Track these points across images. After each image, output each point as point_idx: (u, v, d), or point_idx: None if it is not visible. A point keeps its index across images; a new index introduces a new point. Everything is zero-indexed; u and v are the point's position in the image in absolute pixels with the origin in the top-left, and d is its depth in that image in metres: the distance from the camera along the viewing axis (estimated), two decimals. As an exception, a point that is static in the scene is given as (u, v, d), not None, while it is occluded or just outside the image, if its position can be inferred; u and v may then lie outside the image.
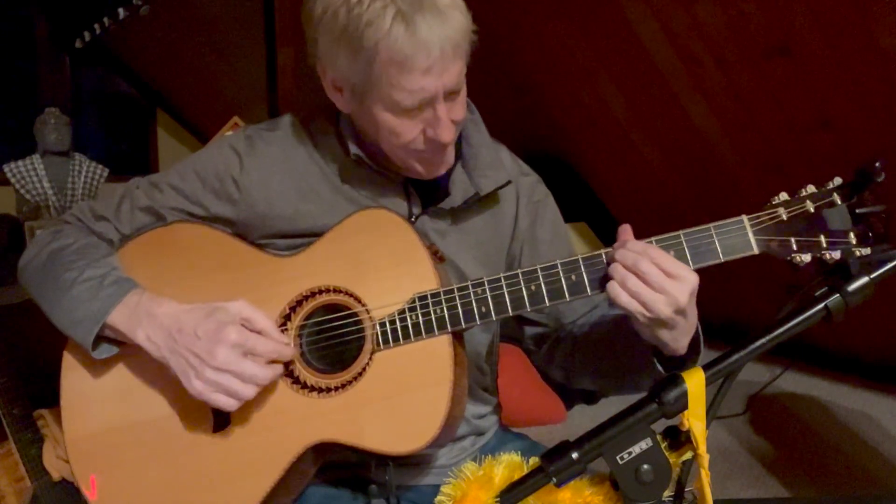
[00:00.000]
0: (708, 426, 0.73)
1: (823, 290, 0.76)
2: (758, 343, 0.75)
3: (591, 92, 3.03)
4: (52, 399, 1.11)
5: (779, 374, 3.16)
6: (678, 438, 0.76)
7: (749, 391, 3.02)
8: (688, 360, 0.95)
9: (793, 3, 2.12)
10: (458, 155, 1.10)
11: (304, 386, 0.99)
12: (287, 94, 3.34)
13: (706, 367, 0.75)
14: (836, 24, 2.09)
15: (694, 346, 0.94)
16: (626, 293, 0.86)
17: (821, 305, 0.75)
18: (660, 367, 0.95)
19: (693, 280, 0.86)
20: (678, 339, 0.91)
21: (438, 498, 0.86)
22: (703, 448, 0.72)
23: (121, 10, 4.04)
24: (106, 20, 4.20)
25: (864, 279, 0.75)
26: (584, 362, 1.10)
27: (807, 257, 0.87)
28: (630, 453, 0.73)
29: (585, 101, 3.11)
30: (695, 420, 0.72)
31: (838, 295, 0.75)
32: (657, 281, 0.85)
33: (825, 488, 2.30)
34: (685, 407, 0.73)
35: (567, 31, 2.82)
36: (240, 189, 1.07)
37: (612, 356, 1.04)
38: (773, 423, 2.81)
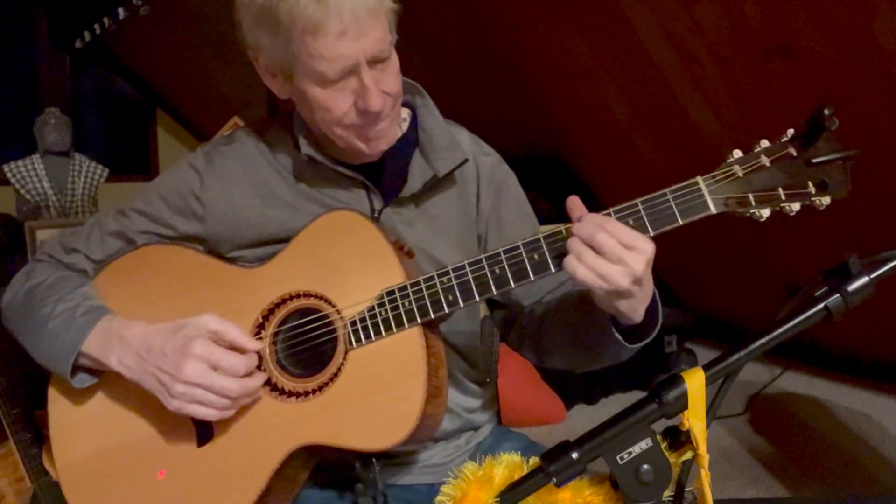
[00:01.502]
0: (708, 426, 0.73)
1: (823, 290, 0.76)
2: (758, 343, 0.75)
3: (591, 92, 3.03)
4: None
5: (779, 374, 3.16)
6: (678, 438, 0.76)
7: (749, 391, 3.02)
8: (646, 327, 0.96)
9: (793, 3, 2.12)
10: (415, 143, 1.11)
11: (283, 392, 0.99)
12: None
13: (706, 367, 0.75)
14: (836, 24, 2.09)
15: (652, 313, 0.95)
16: (584, 266, 0.86)
17: (821, 305, 0.75)
18: (618, 336, 0.95)
19: (649, 249, 0.86)
20: (635, 309, 0.91)
21: (438, 498, 0.86)
22: (703, 448, 0.72)
23: (121, 10, 4.04)
24: (106, 20, 4.20)
25: (864, 279, 0.75)
26: (551, 340, 1.10)
27: (766, 212, 0.87)
28: (630, 453, 0.73)
29: (585, 101, 3.11)
30: (695, 420, 0.72)
31: (838, 295, 0.75)
32: (615, 252, 0.85)
33: (825, 488, 2.30)
34: (685, 407, 0.73)
35: (567, 32, 2.82)
36: (203, 205, 1.08)
37: (574, 330, 1.04)
38: (773, 423, 2.81)
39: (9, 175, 3.36)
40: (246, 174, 1.09)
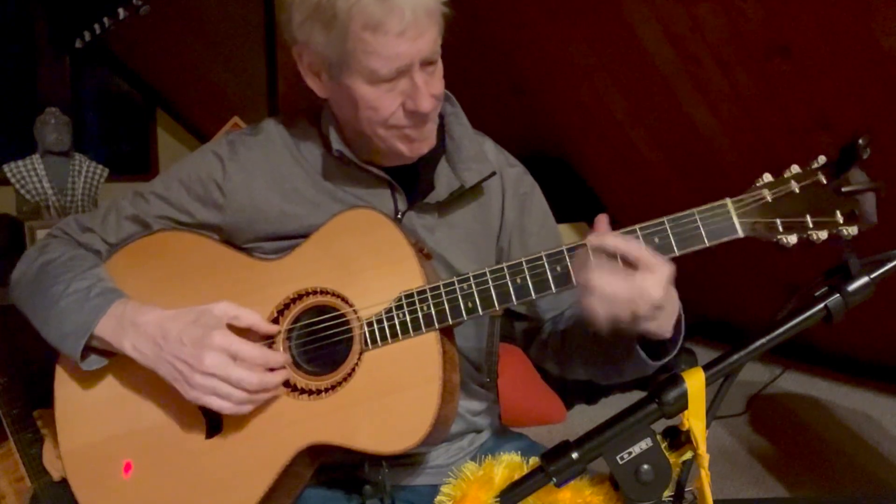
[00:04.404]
0: (708, 426, 0.73)
1: (823, 290, 0.76)
2: (758, 343, 0.75)
3: (591, 92, 3.03)
4: (51, 399, 1.12)
5: (779, 374, 3.16)
6: (678, 438, 0.76)
7: (749, 391, 3.03)
8: (670, 342, 0.94)
9: (793, 3, 2.12)
10: (442, 149, 1.11)
11: (295, 389, 0.99)
12: (287, 94, 3.34)
13: (706, 367, 0.75)
14: (836, 24, 2.09)
15: (677, 327, 0.93)
16: (605, 301, 0.84)
17: (821, 305, 0.75)
18: (643, 355, 0.94)
19: (665, 271, 0.85)
20: (662, 327, 0.90)
21: (438, 498, 0.86)
22: (703, 448, 0.72)
23: (121, 10, 4.04)
24: (106, 20, 4.20)
25: (864, 279, 0.75)
26: (573, 353, 1.10)
27: (793, 238, 0.86)
28: (630, 453, 0.73)
29: (585, 101, 3.11)
30: (695, 420, 0.72)
31: (838, 295, 0.75)
32: (633, 280, 0.83)
33: (825, 488, 2.30)
34: (685, 407, 0.73)
35: (567, 32, 2.82)
36: (224, 194, 1.08)
37: (597, 345, 1.03)
38: (773, 423, 2.81)
39: (9, 175, 3.35)
40: (269, 167, 1.08)
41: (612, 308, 0.84)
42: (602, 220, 0.90)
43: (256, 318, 0.98)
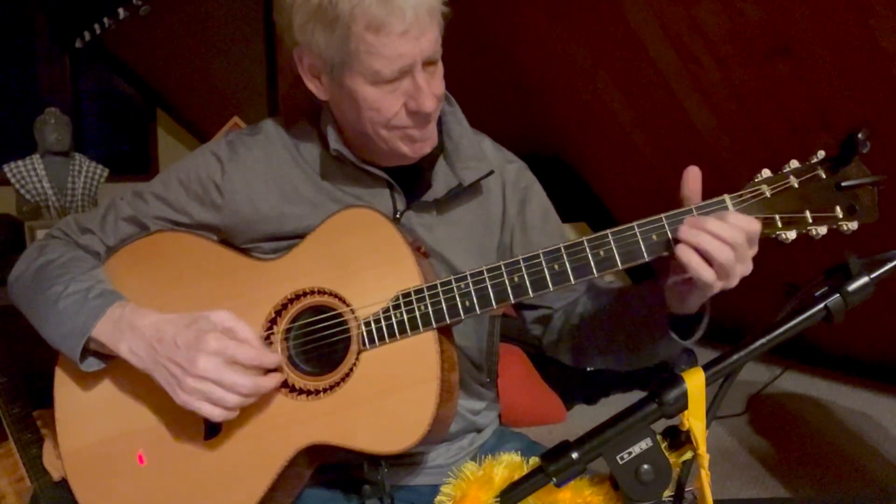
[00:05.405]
0: (708, 426, 0.73)
1: (823, 290, 0.76)
2: (758, 343, 0.75)
3: (591, 92, 3.03)
4: (52, 399, 1.12)
5: (779, 374, 3.16)
6: (678, 438, 0.75)
7: (749, 391, 3.03)
8: (695, 321, 0.94)
9: (793, 3, 2.12)
10: (441, 149, 1.11)
11: (293, 389, 0.99)
12: (287, 94, 3.34)
13: (706, 367, 0.75)
14: (836, 24, 2.09)
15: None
16: (703, 258, 0.83)
17: (821, 305, 0.75)
18: (675, 336, 0.94)
19: (749, 226, 0.84)
20: (705, 296, 0.90)
21: (438, 498, 0.86)
22: (703, 448, 0.72)
23: (121, 10, 4.05)
24: (106, 20, 4.20)
25: (864, 279, 0.75)
26: (593, 338, 1.09)
27: (792, 234, 0.86)
28: (630, 453, 0.73)
29: (585, 101, 3.11)
30: (695, 420, 0.72)
31: (838, 295, 0.74)
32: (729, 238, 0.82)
33: (825, 488, 2.30)
34: (685, 407, 0.72)
35: (567, 31, 2.82)
36: (223, 194, 1.07)
37: (623, 327, 1.03)
38: (773, 423, 2.81)
39: (9, 175, 3.35)
40: (269, 167, 1.08)
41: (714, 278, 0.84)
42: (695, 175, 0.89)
43: (251, 334, 0.97)
